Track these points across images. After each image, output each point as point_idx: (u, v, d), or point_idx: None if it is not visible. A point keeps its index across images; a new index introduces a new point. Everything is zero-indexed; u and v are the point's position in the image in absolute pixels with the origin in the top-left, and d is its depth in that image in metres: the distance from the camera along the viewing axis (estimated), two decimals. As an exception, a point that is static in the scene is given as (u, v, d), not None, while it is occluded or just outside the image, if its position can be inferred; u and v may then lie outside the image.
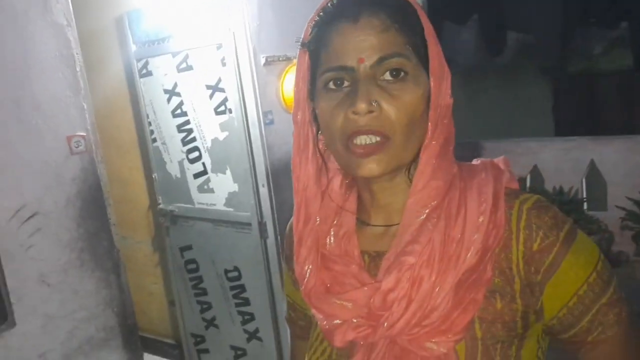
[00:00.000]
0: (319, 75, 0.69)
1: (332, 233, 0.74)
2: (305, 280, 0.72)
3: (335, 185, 0.77)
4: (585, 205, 4.10)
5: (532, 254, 0.65)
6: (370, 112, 0.64)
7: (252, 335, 2.80)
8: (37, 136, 1.76)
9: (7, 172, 1.70)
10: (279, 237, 2.56)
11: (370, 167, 0.66)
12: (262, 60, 2.39)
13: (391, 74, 0.65)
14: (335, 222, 0.75)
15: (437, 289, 0.63)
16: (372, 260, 0.71)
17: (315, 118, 0.73)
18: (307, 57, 0.72)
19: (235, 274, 2.77)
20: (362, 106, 0.63)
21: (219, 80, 2.48)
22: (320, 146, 0.75)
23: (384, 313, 0.65)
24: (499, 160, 0.74)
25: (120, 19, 2.82)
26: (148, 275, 3.33)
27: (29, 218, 1.75)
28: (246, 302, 2.77)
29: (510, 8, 3.80)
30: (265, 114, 2.45)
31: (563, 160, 4.33)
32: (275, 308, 2.66)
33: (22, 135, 1.73)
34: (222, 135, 2.59)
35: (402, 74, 0.65)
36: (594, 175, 4.01)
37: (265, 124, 2.45)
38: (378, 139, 0.65)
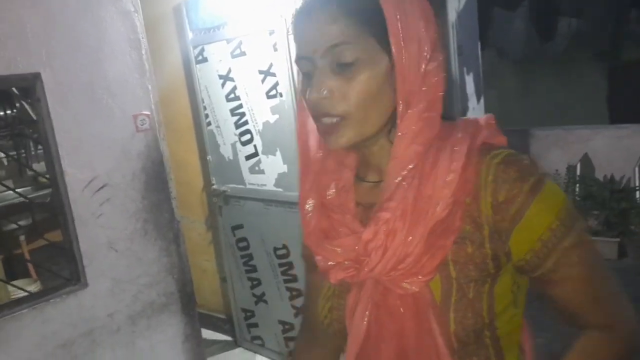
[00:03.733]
0: (294, 61, 0.79)
1: (332, 186, 0.84)
2: (307, 221, 0.84)
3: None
4: (637, 194, 4.01)
5: (499, 204, 0.73)
6: (325, 98, 0.72)
7: (300, 311, 2.92)
8: (107, 114, 1.92)
9: (82, 147, 1.87)
10: (326, 217, 2.66)
11: (335, 142, 0.75)
12: (312, 45, 2.48)
13: (343, 59, 0.71)
14: (336, 176, 0.84)
15: (409, 239, 0.73)
16: (364, 211, 0.82)
17: None
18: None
19: (284, 251, 2.89)
20: (313, 95, 0.73)
21: (271, 65, 2.60)
22: None
23: (365, 259, 0.76)
24: (482, 118, 0.81)
25: (178, 8, 2.98)
26: (201, 253, 3.50)
27: (99, 189, 1.91)
28: (294, 278, 2.89)
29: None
30: (314, 97, 2.54)
31: (615, 148, 4.24)
32: (321, 285, 2.76)
33: (94, 113, 1.89)
34: (272, 118, 2.70)
35: (353, 57, 0.71)
36: (647, 164, 3.91)
37: (315, 107, 2.55)
38: (335, 120, 0.74)
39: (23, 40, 1.72)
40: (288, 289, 2.94)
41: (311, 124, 0.82)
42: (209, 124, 3.04)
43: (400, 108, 0.74)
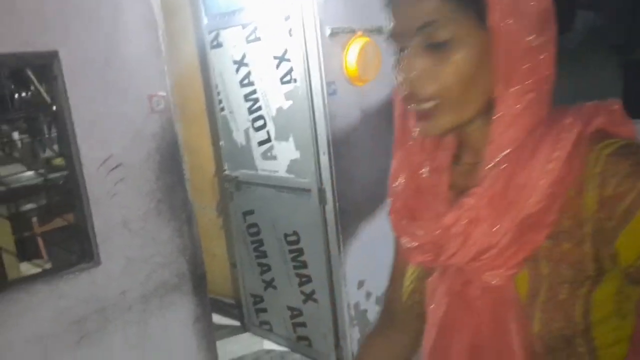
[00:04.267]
0: (388, 38, 0.72)
1: (426, 166, 0.79)
2: (394, 197, 0.79)
3: None
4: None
5: (605, 200, 0.64)
6: (416, 79, 0.67)
7: (308, 297, 2.94)
8: (122, 94, 1.93)
9: (97, 125, 1.88)
10: (337, 204, 2.67)
11: (427, 129, 0.70)
12: (328, 32, 2.48)
13: (437, 38, 0.66)
14: (431, 156, 0.79)
15: (494, 229, 0.67)
16: (458, 195, 0.74)
17: None
18: None
19: (294, 238, 2.90)
20: (402, 76, 0.67)
21: (286, 50, 2.60)
22: None
23: (445, 244, 0.71)
24: (604, 102, 0.71)
25: (194, -7, 2.99)
26: (212, 238, 3.52)
27: (114, 168, 1.93)
28: (304, 265, 2.90)
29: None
30: (328, 84, 2.54)
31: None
32: (331, 271, 2.78)
33: (110, 91, 1.90)
34: (286, 104, 2.71)
35: (448, 38, 0.65)
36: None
37: (329, 94, 2.55)
38: (428, 104, 0.68)
39: (41, 17, 1.74)
40: (297, 275, 2.95)
41: None
42: (222, 109, 3.05)
43: (499, 87, 0.67)
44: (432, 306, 0.76)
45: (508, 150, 0.68)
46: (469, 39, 0.66)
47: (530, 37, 0.66)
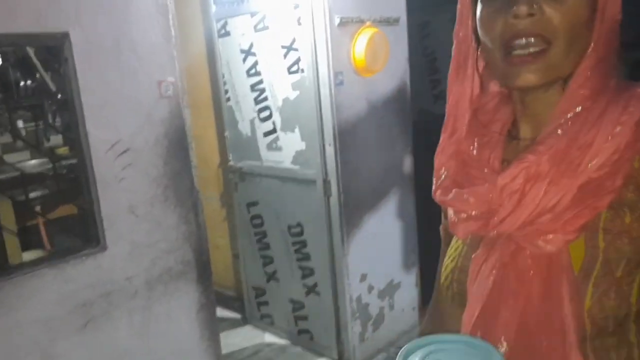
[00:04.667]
0: None
1: (475, 143, 0.75)
2: (440, 181, 0.76)
3: (490, 105, 0.77)
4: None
5: None
6: (531, 14, 0.63)
7: (311, 290, 2.93)
8: (132, 78, 1.92)
9: (107, 108, 1.87)
10: (342, 196, 2.66)
11: (528, 76, 0.65)
12: (337, 21, 2.47)
13: None
14: (482, 131, 0.76)
15: (552, 189, 0.63)
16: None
17: (477, 34, 0.72)
18: None
19: (298, 229, 2.89)
20: (522, 8, 0.62)
21: (294, 40, 2.59)
22: (480, 65, 0.76)
23: (498, 208, 0.67)
24: None
25: (203, -19, 2.98)
26: (215, 229, 3.51)
27: (122, 152, 1.92)
28: (307, 257, 2.90)
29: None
30: (336, 74, 2.53)
31: None
32: (334, 264, 2.77)
33: (120, 75, 1.89)
34: (293, 95, 2.70)
35: None
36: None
37: (336, 84, 2.54)
38: (537, 48, 0.64)
39: (53, -2, 1.73)
40: (300, 267, 2.94)
41: (467, 85, 0.75)
42: (228, 99, 3.04)
43: (589, 50, 0.66)
44: (477, 279, 0.71)
45: (574, 112, 0.66)
46: None
47: (618, 6, 0.66)
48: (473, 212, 0.70)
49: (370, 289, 2.91)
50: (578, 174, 0.63)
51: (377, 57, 2.59)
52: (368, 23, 2.55)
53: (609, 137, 0.63)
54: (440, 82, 3.96)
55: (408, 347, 0.56)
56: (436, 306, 0.90)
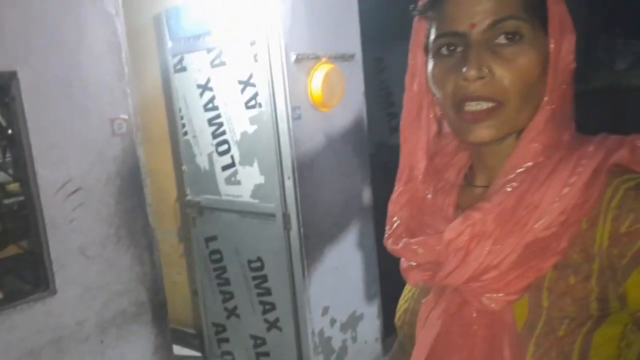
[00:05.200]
0: (433, 42, 0.69)
1: (431, 189, 0.76)
2: (392, 229, 0.76)
3: (449, 147, 0.78)
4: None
5: (619, 236, 0.60)
6: (481, 78, 0.63)
7: (272, 325, 2.88)
8: (84, 116, 1.89)
9: (57, 147, 1.82)
10: (302, 229, 2.65)
11: (481, 133, 0.65)
12: (293, 57, 2.50)
13: (506, 37, 0.63)
14: (438, 177, 0.76)
15: (497, 248, 0.63)
16: None
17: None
18: (422, 24, 0.72)
19: (258, 264, 2.86)
20: (471, 72, 0.63)
21: (251, 75, 2.60)
22: (437, 111, 0.76)
23: (444, 261, 0.67)
24: (628, 137, 0.68)
25: (158, 16, 2.97)
26: (172, 265, 3.44)
27: (73, 192, 1.87)
28: (267, 291, 2.86)
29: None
30: (293, 108, 2.55)
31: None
32: (295, 298, 2.74)
33: (70, 113, 1.85)
34: (251, 129, 2.70)
35: (517, 36, 0.63)
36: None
37: (294, 118, 2.55)
38: (489, 105, 0.64)
39: (0, 37, 1.69)
40: (261, 302, 2.90)
41: (422, 134, 0.76)
42: (185, 133, 3.02)
43: (543, 103, 0.66)
44: (424, 328, 0.72)
45: (524, 167, 0.66)
46: (536, 44, 0.64)
47: (571, 58, 0.66)
48: (424, 264, 0.71)
49: (333, 322, 2.89)
50: (524, 233, 0.63)
51: (333, 92, 2.62)
52: (324, 59, 2.59)
53: (557, 198, 0.63)
54: (396, 115, 4.04)
55: None
56: (399, 343, 0.91)
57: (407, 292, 0.81)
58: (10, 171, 3.47)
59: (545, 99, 0.66)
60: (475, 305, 0.66)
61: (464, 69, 0.63)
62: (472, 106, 0.65)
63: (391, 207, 0.78)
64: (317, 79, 2.58)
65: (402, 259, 0.76)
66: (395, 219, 0.77)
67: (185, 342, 3.50)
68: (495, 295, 0.64)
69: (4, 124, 3.24)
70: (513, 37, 0.63)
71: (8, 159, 3.62)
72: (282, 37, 2.46)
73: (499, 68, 0.63)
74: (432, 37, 0.69)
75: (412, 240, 0.71)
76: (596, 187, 0.63)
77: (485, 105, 0.64)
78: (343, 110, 2.73)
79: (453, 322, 0.69)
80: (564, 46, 0.65)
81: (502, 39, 0.64)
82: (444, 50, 0.67)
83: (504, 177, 0.67)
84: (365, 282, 3.06)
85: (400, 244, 0.73)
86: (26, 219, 1.86)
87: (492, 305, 0.64)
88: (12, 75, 1.72)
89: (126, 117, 2.00)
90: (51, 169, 1.82)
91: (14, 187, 3.37)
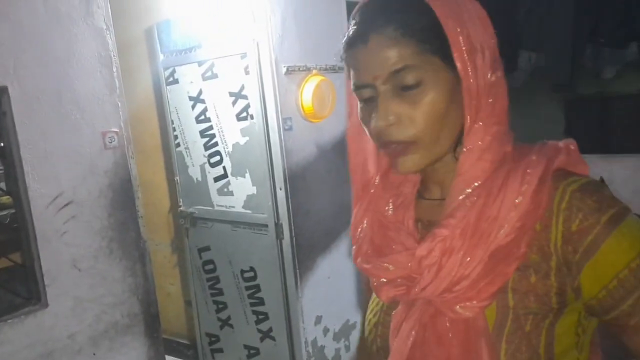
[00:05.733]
0: (353, 90, 0.74)
1: (390, 203, 0.81)
2: (358, 246, 0.80)
3: None
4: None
5: (571, 234, 0.67)
6: (390, 125, 0.69)
7: (266, 335, 2.89)
8: (75, 129, 1.90)
9: (48, 161, 1.83)
10: (294, 238, 2.67)
11: (406, 165, 0.71)
12: (283, 70, 2.52)
13: (410, 83, 0.68)
14: (395, 192, 0.81)
15: (467, 260, 0.68)
16: (425, 228, 0.78)
17: None
18: (347, 71, 0.78)
19: (251, 274, 2.87)
20: (379, 123, 0.69)
21: (242, 87, 2.62)
22: None
23: (417, 277, 0.72)
24: (562, 142, 0.75)
25: (150, 30, 3.00)
26: (166, 276, 3.44)
27: (64, 205, 1.87)
28: (261, 301, 2.87)
29: (521, 25, 3.91)
30: (284, 120, 2.57)
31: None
32: (288, 308, 2.75)
33: (61, 127, 1.86)
34: (243, 140, 2.72)
35: (419, 81, 0.68)
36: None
37: (285, 129, 2.58)
38: (407, 141, 0.70)
39: (-10, 52, 1.70)
40: (254, 312, 2.90)
41: (369, 147, 0.80)
42: (177, 145, 3.03)
43: (467, 123, 0.71)
44: (397, 340, 0.75)
45: (477, 183, 0.71)
46: (437, 80, 0.69)
47: (489, 74, 0.70)
48: (397, 279, 0.75)
49: (326, 331, 2.90)
50: (489, 243, 0.68)
51: (324, 103, 2.65)
52: (314, 71, 2.62)
53: (513, 208, 0.68)
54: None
55: None
56: (362, 354, 0.94)
57: (374, 306, 0.84)
58: (2, 185, 3.48)
59: (469, 118, 0.70)
60: (450, 315, 0.71)
61: (373, 120, 0.70)
62: (391, 146, 0.71)
63: (353, 226, 0.82)
64: (307, 90, 2.60)
65: (371, 277, 0.79)
66: (358, 231, 0.81)
67: (179, 352, 3.50)
68: (468, 303, 0.69)
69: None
70: (412, 81, 0.68)
71: (0, 172, 3.63)
72: (273, 49, 2.48)
73: (405, 111, 0.69)
74: (352, 84, 0.74)
75: (383, 259, 0.76)
76: (545, 192, 0.69)
77: (402, 143, 0.70)
78: (334, 121, 2.76)
79: (427, 332, 0.73)
80: (477, 63, 0.69)
81: (404, 84, 0.69)
82: (364, 96, 0.73)
83: (459, 192, 0.72)
84: (358, 291, 3.07)
85: (372, 264, 0.77)
86: (17, 232, 1.87)
87: (467, 313, 0.69)
88: (3, 91, 1.73)
89: (118, 130, 2.01)
90: (42, 183, 1.83)
91: (5, 200, 3.38)
